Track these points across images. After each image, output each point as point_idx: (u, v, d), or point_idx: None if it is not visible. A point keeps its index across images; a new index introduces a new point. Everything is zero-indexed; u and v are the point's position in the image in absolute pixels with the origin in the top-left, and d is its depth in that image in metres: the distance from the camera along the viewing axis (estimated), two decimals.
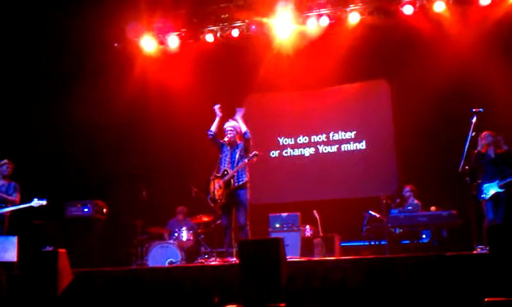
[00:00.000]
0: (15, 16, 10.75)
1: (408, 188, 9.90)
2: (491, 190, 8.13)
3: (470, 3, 10.27)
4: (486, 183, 8.17)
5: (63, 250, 6.79)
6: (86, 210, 9.76)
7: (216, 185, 8.04)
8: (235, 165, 7.96)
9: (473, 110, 7.76)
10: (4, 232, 8.52)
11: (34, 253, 7.05)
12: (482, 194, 8.16)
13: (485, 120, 7.87)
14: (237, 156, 8.04)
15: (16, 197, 8.84)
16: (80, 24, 10.62)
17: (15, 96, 11.14)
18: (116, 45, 11.73)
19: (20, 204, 8.71)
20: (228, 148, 8.16)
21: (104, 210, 10.04)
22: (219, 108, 8.27)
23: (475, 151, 8.20)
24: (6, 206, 8.67)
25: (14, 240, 7.95)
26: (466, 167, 7.66)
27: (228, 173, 7.97)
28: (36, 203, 8.53)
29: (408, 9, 10.35)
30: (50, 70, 11.19)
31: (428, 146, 10.46)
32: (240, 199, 7.95)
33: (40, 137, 10.98)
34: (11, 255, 7.85)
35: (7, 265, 7.87)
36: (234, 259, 7.52)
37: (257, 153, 7.94)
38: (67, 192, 10.54)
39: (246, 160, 7.93)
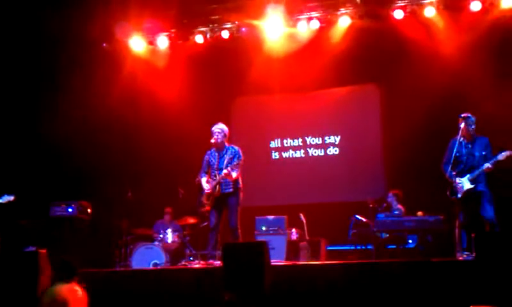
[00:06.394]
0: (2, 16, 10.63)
1: (391, 193, 9.84)
2: (463, 186, 7.57)
3: (461, 9, 10.23)
4: (459, 178, 7.60)
5: (44, 250, 6.71)
6: (70, 210, 9.64)
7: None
8: (222, 172, 7.93)
9: (462, 115, 7.74)
10: None
11: (15, 253, 6.98)
12: (458, 192, 7.59)
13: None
14: (225, 162, 8.02)
15: None
16: (67, 23, 10.51)
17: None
18: (104, 44, 11.63)
19: None
20: (216, 154, 8.12)
21: (89, 210, 9.92)
22: None
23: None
24: None
25: None
26: (454, 173, 7.62)
27: (216, 178, 7.95)
28: (3, 198, 8.33)
29: (398, 14, 10.31)
30: (36, 69, 11.08)
31: (415, 151, 10.42)
32: (230, 203, 7.96)
33: (25, 137, 10.84)
34: None
35: None
36: (218, 262, 7.45)
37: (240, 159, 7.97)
38: (53, 192, 10.42)
39: (229, 168, 7.89)
